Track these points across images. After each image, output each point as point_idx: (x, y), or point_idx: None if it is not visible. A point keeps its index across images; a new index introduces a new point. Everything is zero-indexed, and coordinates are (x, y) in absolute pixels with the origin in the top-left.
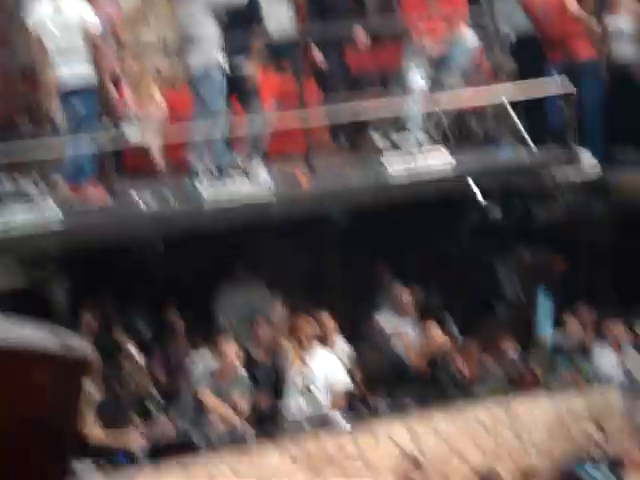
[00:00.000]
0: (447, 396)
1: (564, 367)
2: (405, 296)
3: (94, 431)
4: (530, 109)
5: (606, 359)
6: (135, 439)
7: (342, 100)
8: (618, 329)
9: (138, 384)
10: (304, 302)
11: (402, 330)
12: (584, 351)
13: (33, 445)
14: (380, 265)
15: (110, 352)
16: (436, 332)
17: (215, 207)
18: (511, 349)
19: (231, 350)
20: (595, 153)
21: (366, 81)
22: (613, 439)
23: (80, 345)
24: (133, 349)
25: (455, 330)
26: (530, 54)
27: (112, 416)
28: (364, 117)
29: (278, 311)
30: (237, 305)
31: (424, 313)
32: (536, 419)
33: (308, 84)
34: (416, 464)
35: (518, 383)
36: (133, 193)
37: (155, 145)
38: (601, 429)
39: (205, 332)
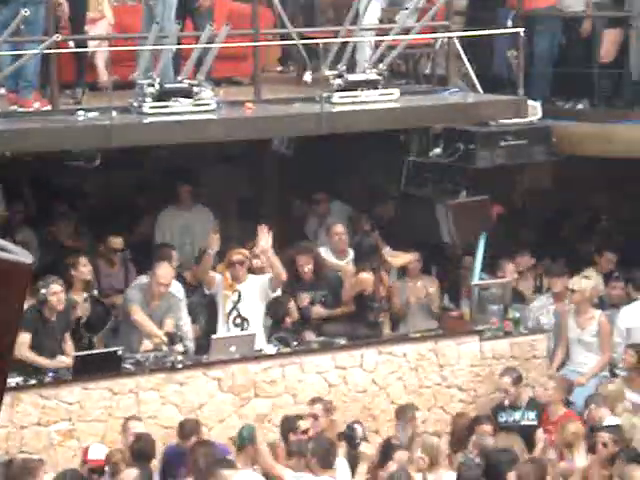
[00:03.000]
0: (375, 334)
1: (494, 312)
2: (341, 233)
3: (22, 348)
4: (480, 54)
5: (542, 309)
6: (64, 359)
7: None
8: (560, 282)
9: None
10: (240, 229)
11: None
12: (517, 298)
13: None
14: (321, 196)
15: (45, 268)
16: (367, 270)
17: (156, 122)
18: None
19: (163, 270)
20: (540, 101)
21: (322, 12)
22: (535, 383)
23: (17, 250)
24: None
25: (387, 270)
26: None
27: (42, 334)
28: (314, 46)
29: (214, 237)
30: (176, 227)
31: (359, 250)
32: (461, 361)
33: (263, 10)
34: (328, 409)
35: (447, 325)
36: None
37: (101, 58)
38: (520, 375)
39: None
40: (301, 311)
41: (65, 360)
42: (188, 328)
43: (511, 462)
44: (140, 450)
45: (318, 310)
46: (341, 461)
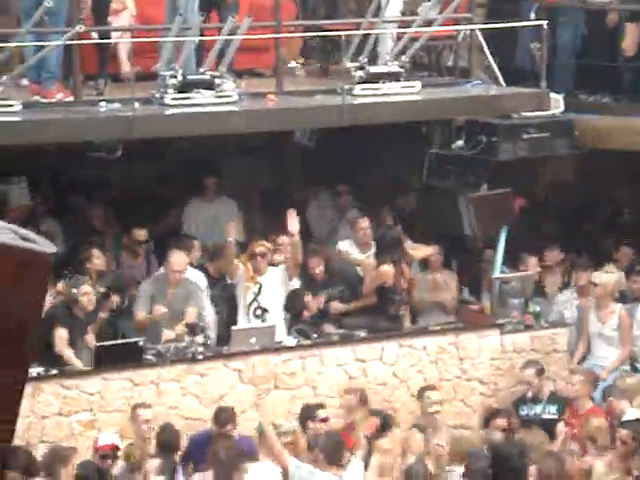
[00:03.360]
0: (396, 327)
1: (515, 306)
2: (365, 227)
3: (61, 344)
4: (503, 47)
5: (566, 303)
6: (85, 350)
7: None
8: (585, 276)
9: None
10: (263, 221)
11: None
12: (538, 292)
13: None
14: (343, 188)
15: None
16: (388, 263)
17: (178, 114)
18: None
19: (176, 257)
20: (563, 94)
21: (344, 3)
22: (556, 377)
23: (41, 241)
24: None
25: (408, 263)
26: None
27: (72, 331)
28: (336, 38)
29: (232, 225)
30: (202, 219)
31: (381, 243)
32: (482, 354)
33: (285, 2)
34: (363, 399)
35: (467, 318)
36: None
37: (123, 49)
38: (542, 368)
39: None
40: (319, 309)
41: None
42: (211, 318)
43: (519, 454)
44: (166, 441)
45: (336, 306)
46: (356, 462)
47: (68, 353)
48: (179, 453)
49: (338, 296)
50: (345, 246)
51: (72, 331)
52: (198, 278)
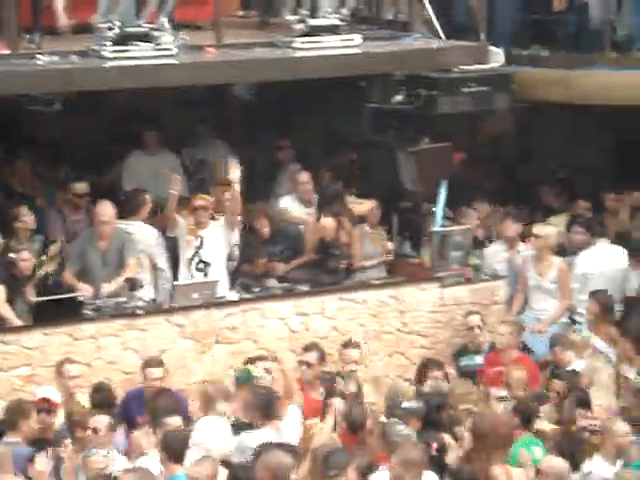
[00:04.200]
0: (337, 281)
1: (455, 259)
2: (306, 182)
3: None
4: (441, 1)
5: (496, 256)
6: (23, 306)
7: None
8: (512, 227)
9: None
10: (197, 174)
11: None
12: (477, 245)
13: None
14: (283, 142)
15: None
16: (330, 224)
17: (116, 67)
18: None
19: (101, 207)
20: (502, 47)
21: None
22: (494, 329)
23: None
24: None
25: (350, 217)
26: None
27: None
28: None
29: (176, 177)
30: (144, 172)
31: (322, 197)
32: (422, 307)
33: None
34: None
35: (407, 272)
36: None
37: (59, 1)
38: (482, 320)
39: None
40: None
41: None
42: (165, 268)
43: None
44: (100, 400)
45: (278, 267)
46: (292, 409)
47: (4, 311)
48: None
49: (280, 256)
50: (287, 202)
51: (10, 289)
52: (147, 232)
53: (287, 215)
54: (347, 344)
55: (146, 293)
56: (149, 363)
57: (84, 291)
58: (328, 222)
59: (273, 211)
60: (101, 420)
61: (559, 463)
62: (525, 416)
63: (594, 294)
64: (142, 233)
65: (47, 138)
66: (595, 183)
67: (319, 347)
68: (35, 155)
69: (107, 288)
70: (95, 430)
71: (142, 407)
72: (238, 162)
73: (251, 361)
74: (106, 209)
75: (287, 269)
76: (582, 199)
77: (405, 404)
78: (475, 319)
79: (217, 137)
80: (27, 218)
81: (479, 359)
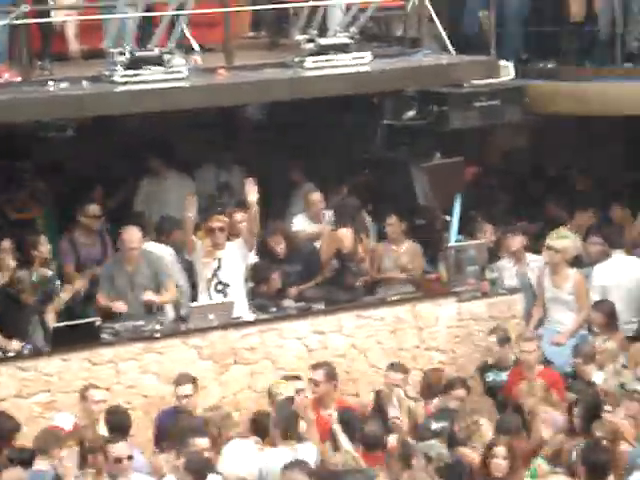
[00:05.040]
0: (354, 298)
1: (471, 274)
2: (317, 201)
3: None
4: (451, 16)
5: (507, 270)
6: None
7: None
8: (516, 241)
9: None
10: (218, 197)
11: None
12: (493, 259)
13: None
14: (295, 163)
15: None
16: (346, 235)
17: (128, 91)
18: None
19: (128, 233)
20: (512, 61)
21: None
22: (514, 344)
23: None
24: (42, 241)
25: (367, 233)
26: None
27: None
28: (285, 9)
29: (191, 199)
30: (154, 196)
31: (339, 211)
32: (439, 322)
33: None
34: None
35: (424, 288)
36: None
37: (70, 27)
38: (507, 336)
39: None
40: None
41: (16, 345)
42: (185, 287)
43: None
44: (115, 423)
45: (294, 290)
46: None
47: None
48: (130, 435)
49: (297, 277)
50: (299, 221)
51: (16, 316)
52: (162, 250)
53: (302, 232)
54: (392, 366)
55: (169, 313)
56: (178, 381)
57: (119, 308)
58: (345, 233)
59: (288, 229)
60: (123, 448)
61: None
62: None
63: (597, 305)
64: (161, 253)
65: (60, 164)
66: (605, 193)
67: (328, 365)
68: (46, 180)
69: (150, 300)
70: (119, 460)
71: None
72: (255, 184)
73: (286, 379)
74: (133, 235)
75: (302, 290)
76: (593, 209)
77: (434, 425)
78: (491, 340)
79: (232, 159)
80: (44, 247)
81: (505, 375)
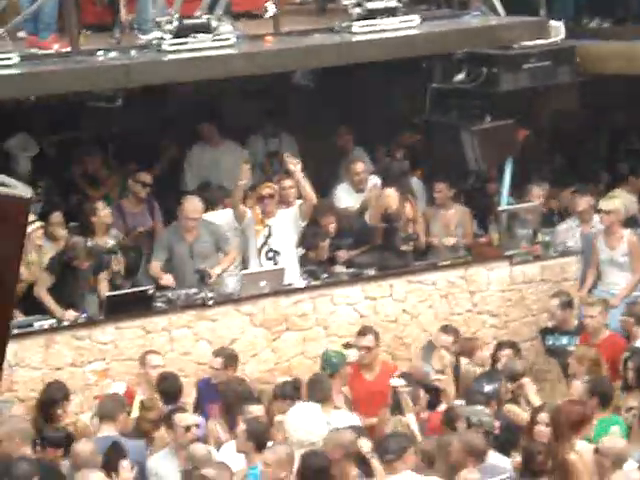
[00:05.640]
0: (405, 263)
1: (523, 237)
2: (361, 171)
3: (41, 290)
4: None
5: (569, 232)
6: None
7: None
8: (583, 201)
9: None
10: (268, 164)
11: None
12: (545, 222)
13: None
14: (344, 129)
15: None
16: (392, 195)
17: (176, 59)
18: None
19: (189, 203)
20: (563, 21)
21: None
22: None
23: (19, 185)
24: (100, 207)
25: (418, 196)
26: None
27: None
28: None
29: (245, 167)
30: (205, 164)
31: (387, 174)
32: (492, 286)
33: None
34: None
35: (476, 252)
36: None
37: None
38: (565, 300)
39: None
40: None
41: (71, 314)
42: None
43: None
44: (166, 390)
45: (344, 254)
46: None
47: (46, 300)
48: (181, 400)
49: (347, 248)
50: (342, 190)
51: (70, 284)
52: (221, 216)
53: (352, 208)
54: (443, 329)
55: (230, 282)
56: (215, 352)
57: (167, 281)
58: (391, 192)
59: (338, 207)
60: (191, 417)
61: (619, 444)
62: (603, 397)
63: None
64: (219, 221)
65: (110, 134)
66: None
67: (373, 330)
68: (102, 151)
69: (215, 272)
70: (188, 428)
71: (212, 396)
72: (301, 151)
73: (348, 346)
74: (195, 205)
75: (353, 255)
76: None
77: (486, 388)
78: (553, 303)
79: (281, 126)
80: (103, 212)
81: (565, 339)
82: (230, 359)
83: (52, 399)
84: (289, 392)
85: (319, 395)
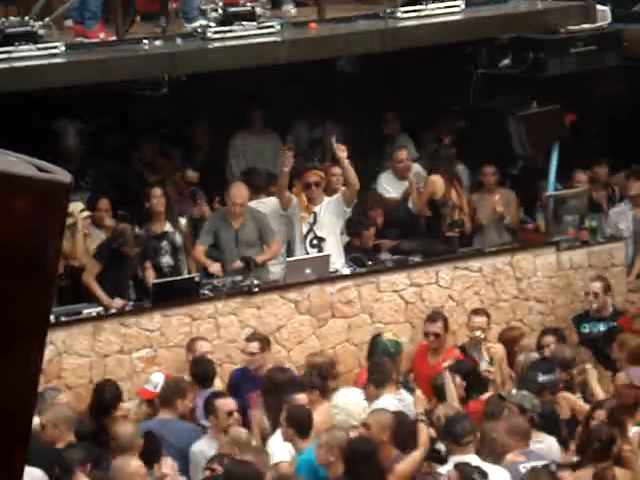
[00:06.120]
0: (451, 249)
1: (570, 223)
2: (403, 159)
3: (89, 276)
4: None
5: (621, 216)
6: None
7: None
8: (636, 185)
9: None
10: (312, 152)
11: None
12: (593, 207)
13: (13, 274)
14: (389, 116)
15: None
16: (438, 181)
17: (220, 47)
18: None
19: (236, 189)
20: (609, 5)
21: None
22: (615, 293)
23: (58, 170)
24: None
25: (463, 182)
26: None
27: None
28: None
29: (288, 154)
30: (249, 151)
31: (433, 159)
32: (538, 273)
33: None
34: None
35: (522, 238)
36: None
37: None
38: (606, 285)
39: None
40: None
41: (119, 302)
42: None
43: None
44: (199, 374)
45: (389, 242)
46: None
47: (94, 288)
48: (214, 386)
49: (392, 238)
50: (385, 178)
51: (118, 271)
52: (266, 205)
53: (397, 197)
54: (475, 311)
55: (275, 269)
56: (248, 338)
57: (214, 268)
58: (437, 178)
59: (385, 198)
60: (233, 402)
61: None
62: None
63: None
64: (265, 210)
65: (156, 122)
66: None
67: (443, 315)
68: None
69: (260, 259)
70: (230, 413)
71: (250, 384)
72: (345, 139)
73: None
74: (241, 190)
75: (398, 243)
76: None
77: (542, 377)
78: (597, 285)
79: (325, 114)
80: (158, 199)
81: (602, 326)
82: (264, 342)
83: (105, 406)
84: (317, 383)
85: (380, 378)
